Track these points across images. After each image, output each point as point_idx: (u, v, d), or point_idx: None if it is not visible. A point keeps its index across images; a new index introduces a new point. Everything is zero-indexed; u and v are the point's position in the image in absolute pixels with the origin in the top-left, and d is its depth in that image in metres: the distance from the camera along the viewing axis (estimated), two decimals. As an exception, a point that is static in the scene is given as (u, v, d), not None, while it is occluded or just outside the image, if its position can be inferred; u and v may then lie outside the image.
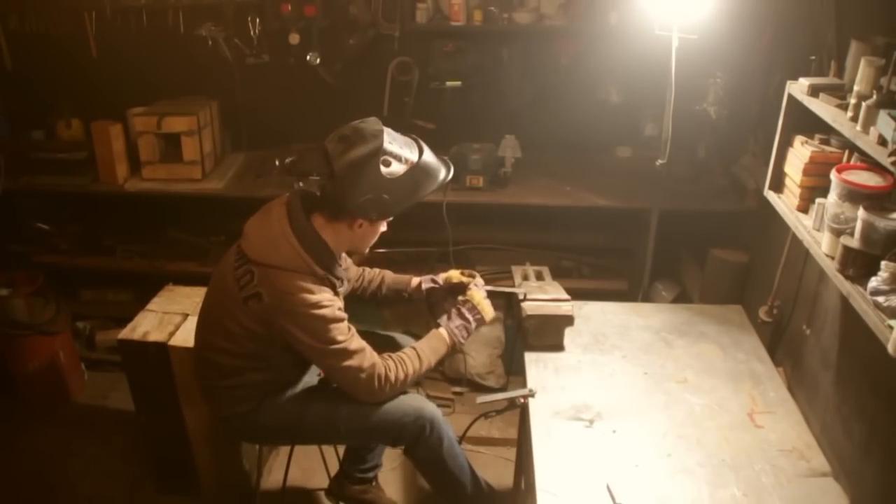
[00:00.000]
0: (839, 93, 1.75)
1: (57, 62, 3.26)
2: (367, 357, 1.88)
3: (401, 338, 2.40)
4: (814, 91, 1.82)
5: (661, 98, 2.42)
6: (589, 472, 1.73)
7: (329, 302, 1.82)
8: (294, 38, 3.04)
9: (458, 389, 3.19)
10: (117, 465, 2.79)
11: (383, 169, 1.77)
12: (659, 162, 2.51)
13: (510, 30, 3.00)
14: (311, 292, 1.79)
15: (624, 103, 3.11)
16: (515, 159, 3.00)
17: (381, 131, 1.80)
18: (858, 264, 1.56)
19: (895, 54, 1.52)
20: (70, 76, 3.29)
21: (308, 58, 3.06)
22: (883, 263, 1.47)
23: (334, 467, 2.47)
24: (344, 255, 2.07)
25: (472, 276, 2.23)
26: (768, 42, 2.64)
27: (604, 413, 1.93)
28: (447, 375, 3.25)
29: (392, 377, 1.90)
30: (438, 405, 3.05)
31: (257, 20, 3.08)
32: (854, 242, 1.56)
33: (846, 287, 1.57)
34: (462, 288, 2.19)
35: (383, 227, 1.95)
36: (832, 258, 1.65)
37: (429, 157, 1.87)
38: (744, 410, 1.94)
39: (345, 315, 1.88)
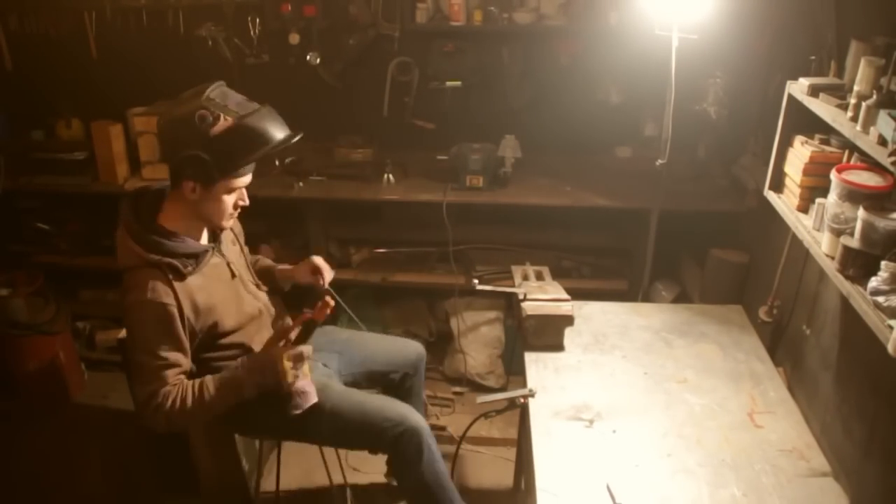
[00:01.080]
0: (839, 93, 1.74)
1: (57, 62, 3.27)
2: (162, 391, 1.74)
3: (402, 341, 2.39)
4: (814, 91, 1.82)
5: (661, 98, 2.43)
6: (589, 472, 1.73)
7: (155, 297, 1.70)
8: (294, 38, 3.04)
9: (458, 389, 3.19)
10: (117, 465, 2.79)
11: (198, 124, 1.66)
12: (659, 162, 2.51)
13: (510, 30, 2.99)
14: (139, 287, 1.70)
15: (624, 103, 3.11)
16: (515, 159, 3.00)
17: (205, 87, 1.71)
18: (858, 264, 1.56)
19: (895, 54, 1.52)
20: (70, 76, 3.29)
21: (308, 58, 3.07)
22: (883, 263, 1.47)
23: (334, 467, 2.46)
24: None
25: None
26: (768, 42, 2.64)
27: (604, 413, 1.93)
28: (447, 375, 3.25)
29: (168, 407, 1.74)
30: (440, 405, 3.08)
31: (257, 20, 3.08)
32: (854, 242, 1.56)
33: (846, 287, 1.57)
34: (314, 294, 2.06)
35: (231, 196, 1.80)
36: (832, 258, 1.65)
37: (258, 117, 1.72)
38: (744, 410, 1.94)
39: (172, 325, 1.73)
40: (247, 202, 1.86)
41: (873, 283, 1.47)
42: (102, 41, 3.17)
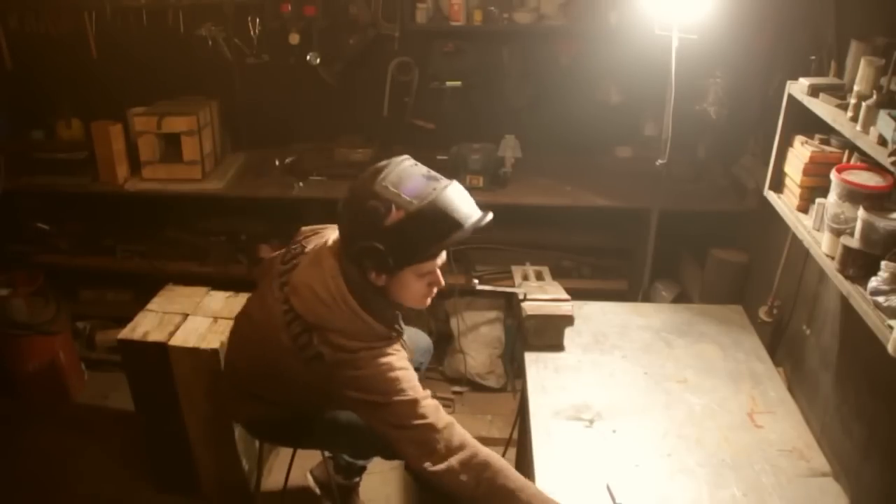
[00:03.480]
0: (839, 93, 1.74)
1: (57, 62, 3.26)
2: (443, 416, 1.61)
3: (413, 331, 2.36)
4: (814, 91, 1.82)
5: (661, 98, 2.42)
6: (589, 472, 1.73)
7: (401, 363, 1.62)
8: (294, 38, 3.04)
9: (457, 389, 3.19)
10: (117, 465, 2.78)
11: (372, 215, 1.51)
12: (659, 162, 2.51)
13: (510, 30, 2.99)
14: (381, 356, 1.60)
15: (624, 103, 3.11)
16: (515, 159, 3.00)
17: (380, 168, 1.55)
18: (858, 264, 1.56)
19: (895, 54, 1.52)
20: (70, 76, 3.29)
21: (308, 58, 3.06)
22: (883, 263, 1.47)
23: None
24: None
25: None
26: (768, 42, 2.64)
27: (604, 413, 1.93)
28: (447, 375, 3.25)
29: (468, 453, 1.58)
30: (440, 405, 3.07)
31: (257, 20, 3.08)
32: (854, 242, 1.56)
33: (846, 287, 1.57)
34: None
35: (422, 280, 1.64)
36: (832, 258, 1.65)
37: (434, 205, 1.53)
38: (744, 410, 1.94)
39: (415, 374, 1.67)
40: (442, 284, 1.68)
41: (873, 283, 1.48)
42: (102, 41, 3.17)
